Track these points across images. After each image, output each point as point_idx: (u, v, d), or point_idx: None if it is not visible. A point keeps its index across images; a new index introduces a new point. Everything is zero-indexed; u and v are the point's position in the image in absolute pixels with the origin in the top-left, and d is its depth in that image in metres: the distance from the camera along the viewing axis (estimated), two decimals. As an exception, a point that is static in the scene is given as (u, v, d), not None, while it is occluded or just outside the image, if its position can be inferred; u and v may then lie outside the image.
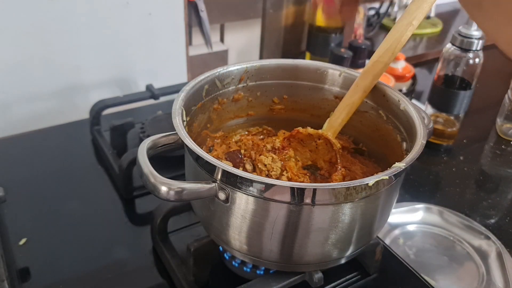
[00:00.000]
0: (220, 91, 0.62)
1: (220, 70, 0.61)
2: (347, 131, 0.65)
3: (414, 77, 1.08)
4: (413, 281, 0.62)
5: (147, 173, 0.45)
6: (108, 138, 0.84)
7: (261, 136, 0.68)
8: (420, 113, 0.56)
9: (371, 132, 0.64)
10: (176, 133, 0.50)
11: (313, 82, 0.66)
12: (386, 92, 0.60)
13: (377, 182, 0.45)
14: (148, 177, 0.44)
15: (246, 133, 0.69)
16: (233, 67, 0.62)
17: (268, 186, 0.44)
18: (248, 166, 0.60)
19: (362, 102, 0.61)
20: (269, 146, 0.62)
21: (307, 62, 0.67)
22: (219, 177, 0.46)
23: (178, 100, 0.53)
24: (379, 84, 0.61)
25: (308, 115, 0.68)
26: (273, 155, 0.60)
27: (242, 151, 0.62)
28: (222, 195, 0.47)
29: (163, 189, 0.44)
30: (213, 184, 0.46)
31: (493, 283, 0.67)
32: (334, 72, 0.65)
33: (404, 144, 0.57)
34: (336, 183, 0.51)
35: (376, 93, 0.61)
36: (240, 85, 0.64)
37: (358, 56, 1.06)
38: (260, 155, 0.60)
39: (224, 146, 0.62)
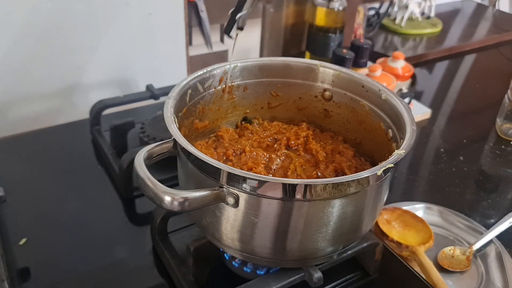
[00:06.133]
0: (202, 94, 0.62)
1: (200, 73, 0.61)
2: (333, 128, 0.67)
3: (413, 76, 1.08)
4: (413, 281, 0.62)
5: (150, 185, 0.44)
6: (108, 138, 0.84)
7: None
8: (403, 102, 0.57)
9: (357, 125, 0.65)
10: (169, 141, 0.51)
11: (300, 80, 0.67)
12: (364, 83, 0.62)
13: (367, 177, 0.46)
14: (152, 189, 0.44)
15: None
16: (212, 68, 0.62)
17: (292, 186, 0.45)
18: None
19: (341, 95, 0.63)
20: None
21: (283, 59, 0.67)
22: (225, 181, 0.46)
23: (168, 108, 0.53)
24: (356, 76, 0.62)
25: (295, 112, 0.69)
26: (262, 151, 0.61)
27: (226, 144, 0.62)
28: (231, 200, 0.47)
29: (167, 199, 0.44)
30: (220, 190, 0.46)
31: (492, 283, 0.67)
32: (322, 69, 0.65)
33: (390, 132, 0.58)
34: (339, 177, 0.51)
35: (355, 85, 0.62)
36: (220, 87, 0.64)
37: (360, 55, 1.06)
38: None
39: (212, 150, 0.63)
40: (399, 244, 0.69)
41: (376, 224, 0.71)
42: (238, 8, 0.56)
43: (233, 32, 0.59)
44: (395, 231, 0.71)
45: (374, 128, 0.62)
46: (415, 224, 0.72)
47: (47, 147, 0.86)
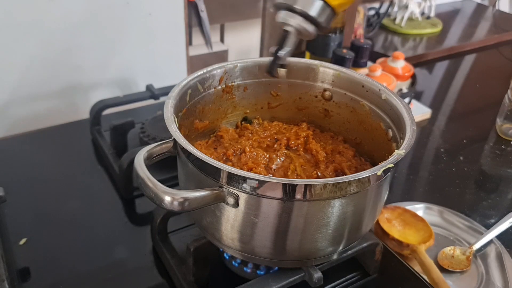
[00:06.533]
0: (202, 94, 0.62)
1: (200, 73, 0.61)
2: (333, 128, 0.67)
3: (413, 76, 1.08)
4: (413, 281, 0.62)
5: (150, 185, 0.44)
6: (108, 138, 0.84)
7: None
8: (403, 102, 0.57)
9: (357, 125, 0.65)
10: (169, 141, 0.51)
11: (300, 80, 0.67)
12: (364, 83, 0.62)
13: (368, 177, 0.46)
14: (152, 189, 0.44)
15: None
16: (212, 68, 0.62)
17: (294, 186, 0.44)
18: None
19: (341, 95, 0.63)
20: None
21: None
22: (225, 181, 0.46)
23: (168, 108, 0.53)
24: (356, 76, 0.63)
25: (295, 112, 0.69)
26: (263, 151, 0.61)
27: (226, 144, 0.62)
28: (231, 200, 0.47)
29: (167, 199, 0.44)
30: (220, 190, 0.46)
31: (492, 283, 0.67)
32: (319, 68, 0.65)
33: (390, 132, 0.58)
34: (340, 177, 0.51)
35: (355, 85, 0.62)
36: (220, 87, 0.64)
37: (360, 55, 1.06)
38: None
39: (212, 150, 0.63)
40: (399, 242, 0.69)
41: (377, 222, 0.71)
42: (280, 46, 0.56)
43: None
44: (395, 230, 0.71)
45: (374, 128, 0.62)
46: (416, 223, 0.72)
47: (47, 147, 0.86)
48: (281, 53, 0.56)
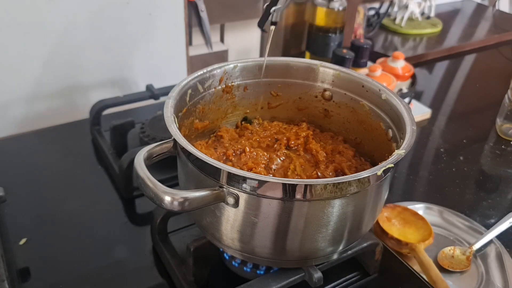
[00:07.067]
0: (202, 94, 0.62)
1: (200, 73, 0.61)
2: (333, 128, 0.67)
3: (413, 76, 1.08)
4: (413, 281, 0.62)
5: (150, 185, 0.44)
6: (108, 138, 0.84)
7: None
8: (403, 102, 0.57)
9: (357, 125, 0.65)
10: (169, 141, 0.51)
11: (300, 80, 0.67)
12: (364, 83, 0.62)
13: (368, 177, 0.46)
14: (152, 189, 0.44)
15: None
16: (212, 68, 0.62)
17: (293, 186, 0.44)
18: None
19: (341, 95, 0.63)
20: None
21: (283, 59, 0.67)
22: (225, 181, 0.46)
23: (168, 108, 0.53)
24: (356, 76, 0.63)
25: (295, 112, 0.69)
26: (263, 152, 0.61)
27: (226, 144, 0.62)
28: (231, 200, 0.47)
29: (167, 198, 0.44)
30: (220, 190, 0.46)
31: (492, 283, 0.67)
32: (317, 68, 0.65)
33: (390, 132, 0.58)
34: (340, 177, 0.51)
35: (355, 85, 0.62)
36: (220, 87, 0.64)
37: (360, 55, 1.06)
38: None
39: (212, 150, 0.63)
40: (398, 241, 0.69)
41: (376, 221, 0.71)
42: (273, 2, 0.56)
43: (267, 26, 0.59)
44: (395, 229, 0.71)
45: (374, 128, 0.62)
46: (415, 222, 0.72)
47: (47, 147, 0.86)
48: (273, 9, 0.57)
